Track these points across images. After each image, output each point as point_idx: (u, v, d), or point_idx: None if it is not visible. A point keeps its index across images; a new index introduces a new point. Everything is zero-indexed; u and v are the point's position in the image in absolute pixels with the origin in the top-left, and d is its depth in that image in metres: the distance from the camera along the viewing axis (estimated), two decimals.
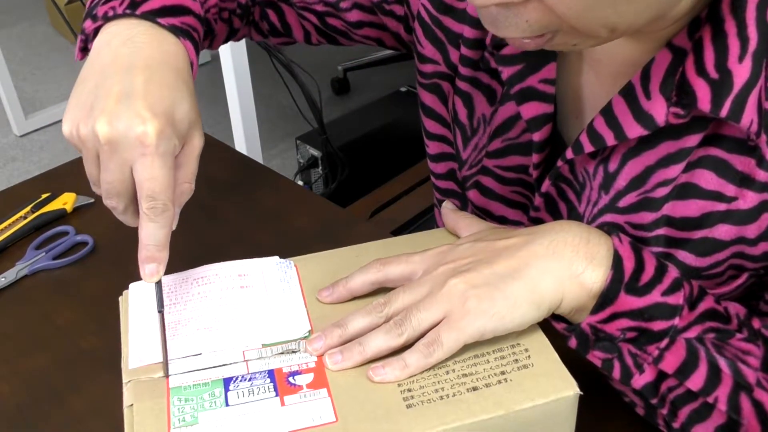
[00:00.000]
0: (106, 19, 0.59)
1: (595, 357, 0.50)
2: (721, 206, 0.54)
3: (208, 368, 0.51)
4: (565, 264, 0.50)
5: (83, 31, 0.61)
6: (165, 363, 0.50)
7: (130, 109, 0.52)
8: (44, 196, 0.82)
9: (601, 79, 0.59)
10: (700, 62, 0.51)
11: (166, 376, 0.50)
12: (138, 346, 0.53)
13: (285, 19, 0.77)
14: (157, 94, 0.54)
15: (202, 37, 0.64)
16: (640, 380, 0.49)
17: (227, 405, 0.49)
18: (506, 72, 0.61)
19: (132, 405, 0.49)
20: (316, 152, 1.93)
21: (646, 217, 0.57)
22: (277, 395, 0.49)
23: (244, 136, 1.92)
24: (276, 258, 0.59)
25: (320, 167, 1.94)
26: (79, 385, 0.62)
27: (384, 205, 1.61)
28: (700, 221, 0.55)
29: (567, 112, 0.62)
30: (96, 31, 0.60)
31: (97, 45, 0.58)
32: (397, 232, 1.38)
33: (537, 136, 0.61)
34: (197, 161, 0.56)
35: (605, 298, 0.49)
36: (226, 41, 0.78)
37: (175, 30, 0.59)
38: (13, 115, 2.51)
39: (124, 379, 0.51)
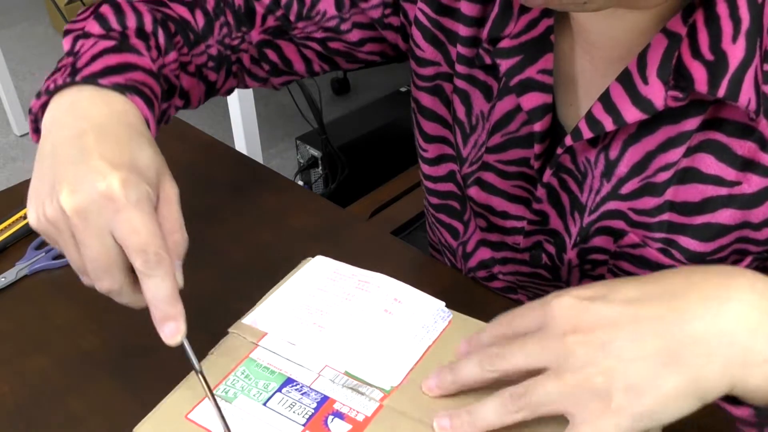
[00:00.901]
0: (50, 93, 0.56)
1: None
2: (723, 191, 0.55)
3: (288, 360, 0.53)
4: (738, 350, 0.41)
5: (31, 111, 0.58)
6: (222, 422, 0.48)
7: (88, 169, 0.49)
8: None
9: (596, 64, 0.59)
10: (695, 45, 0.51)
11: None
12: (267, 309, 0.57)
13: (285, 55, 0.75)
14: (113, 149, 0.50)
15: (159, 93, 0.60)
16: None
17: (264, 404, 0.50)
18: (504, 65, 0.61)
19: (213, 354, 0.53)
20: (316, 152, 1.93)
21: (649, 202, 0.57)
22: (304, 425, 0.48)
23: (244, 136, 1.92)
24: (442, 303, 0.56)
25: (320, 167, 1.94)
26: (79, 385, 0.62)
27: (384, 205, 1.61)
28: (701, 206, 0.56)
29: (565, 101, 0.62)
30: (43, 107, 0.57)
31: (45, 123, 0.55)
32: (397, 232, 1.38)
33: (538, 127, 0.61)
34: (179, 209, 0.52)
35: None
36: (208, 97, 0.74)
37: (119, 88, 0.55)
38: (13, 115, 2.52)
39: (230, 329, 0.55)
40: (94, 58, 0.57)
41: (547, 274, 0.69)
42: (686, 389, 0.40)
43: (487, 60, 0.63)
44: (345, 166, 1.91)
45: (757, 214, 0.54)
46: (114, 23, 0.62)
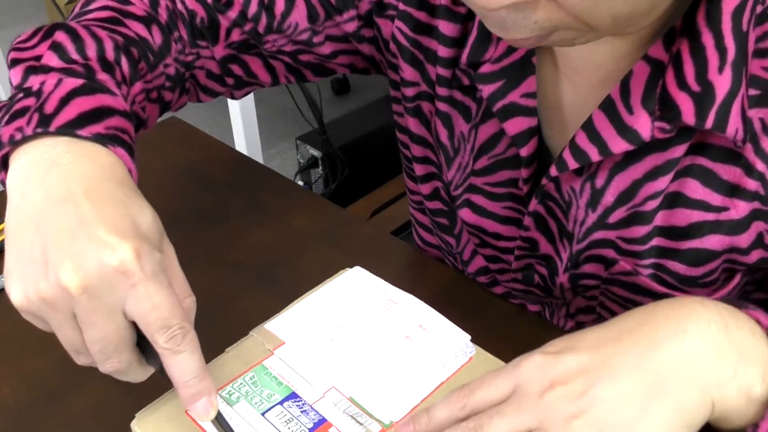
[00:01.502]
0: (14, 143, 0.49)
1: None
2: (710, 216, 0.54)
3: (297, 373, 0.52)
4: (710, 368, 0.41)
5: None
6: None
7: (91, 241, 0.43)
8: None
9: (579, 89, 0.58)
10: (680, 76, 0.50)
11: None
12: (291, 317, 0.57)
13: (250, 70, 0.72)
14: (114, 214, 0.45)
15: (134, 132, 0.54)
16: None
17: (263, 414, 0.50)
18: (486, 90, 0.60)
19: (228, 352, 0.54)
20: (316, 152, 1.93)
21: (639, 231, 0.57)
22: None
23: (244, 137, 1.92)
24: (467, 337, 0.55)
25: (320, 167, 1.95)
26: (79, 386, 0.62)
27: (384, 205, 1.61)
28: (689, 231, 0.55)
29: (550, 124, 0.61)
30: (4, 160, 0.50)
31: (13, 183, 0.47)
32: (397, 232, 1.38)
33: (524, 151, 0.60)
34: (181, 270, 0.49)
35: None
36: (161, 115, 0.69)
37: (101, 139, 0.49)
38: None
39: (252, 331, 0.56)
40: (64, 102, 0.50)
41: (540, 293, 0.69)
42: (672, 420, 0.40)
43: (465, 81, 0.62)
44: (345, 166, 1.91)
45: (744, 239, 0.54)
46: (73, 53, 0.54)
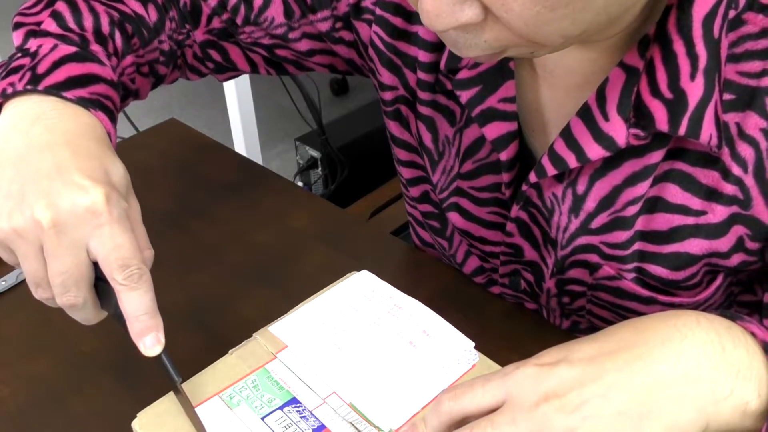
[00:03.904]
0: (5, 96, 0.54)
1: None
2: (690, 220, 0.54)
3: (299, 378, 0.52)
4: (706, 388, 0.40)
5: None
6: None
7: (66, 184, 0.48)
8: None
9: (556, 92, 0.58)
10: (653, 83, 0.50)
11: None
12: (295, 321, 0.57)
13: (229, 57, 0.74)
14: (89, 164, 0.50)
15: (119, 102, 0.60)
16: None
17: (263, 419, 0.50)
18: (464, 96, 0.60)
19: (232, 354, 0.54)
20: (315, 153, 1.93)
21: (620, 236, 0.57)
22: None
23: (243, 138, 1.92)
24: (471, 344, 0.55)
25: (320, 168, 1.94)
26: (80, 388, 0.62)
27: (384, 205, 1.61)
28: (670, 235, 0.55)
29: (531, 127, 0.61)
30: None
31: (1, 128, 0.53)
32: (396, 232, 1.38)
33: (504, 155, 0.60)
34: (143, 225, 0.52)
35: None
36: (153, 88, 0.73)
37: (84, 102, 0.54)
38: None
39: (255, 333, 0.56)
40: (56, 65, 0.55)
41: (527, 299, 0.69)
42: None
43: (449, 85, 0.62)
44: (344, 167, 1.91)
45: (724, 243, 0.54)
46: (71, 22, 0.60)
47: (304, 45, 0.71)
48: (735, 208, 0.53)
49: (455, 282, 0.72)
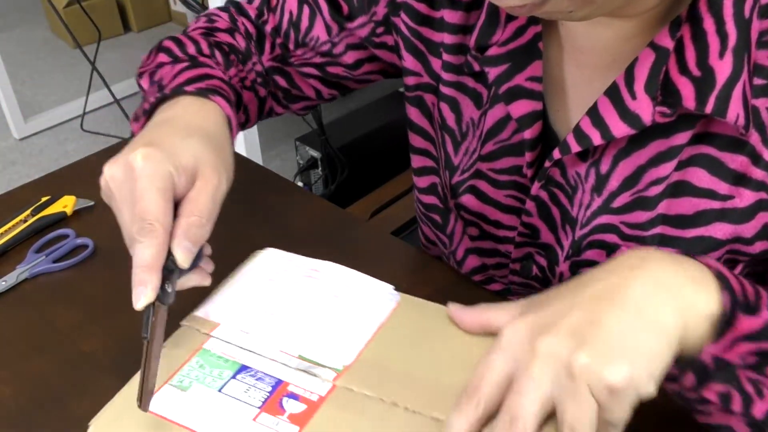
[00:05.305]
0: (146, 113, 0.64)
1: (712, 391, 0.45)
2: (716, 204, 0.55)
3: (242, 348, 0.53)
4: (677, 293, 0.44)
5: (132, 135, 0.64)
6: (141, 394, 0.49)
7: (130, 146, 0.55)
8: (44, 199, 0.82)
9: (584, 71, 0.59)
10: (682, 61, 0.51)
11: (143, 408, 0.49)
12: (219, 301, 0.58)
13: (293, 81, 0.77)
14: (161, 133, 0.57)
15: (233, 97, 0.67)
16: (761, 407, 0.46)
17: (219, 390, 0.51)
18: (493, 72, 0.61)
19: (165, 346, 0.53)
20: (315, 153, 1.93)
21: (642, 216, 0.57)
22: (259, 408, 0.49)
23: (243, 138, 1.92)
24: (390, 287, 0.58)
25: (320, 168, 1.95)
26: (80, 388, 0.62)
27: (384, 205, 1.61)
28: (694, 219, 0.56)
29: (556, 107, 0.62)
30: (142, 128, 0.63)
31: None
32: (397, 232, 1.38)
33: (528, 134, 0.61)
34: (213, 200, 0.55)
35: (726, 323, 0.44)
36: (260, 116, 0.79)
37: (203, 92, 0.63)
38: (12, 118, 2.51)
39: (182, 321, 0.56)
40: (175, 76, 0.66)
41: (538, 285, 0.69)
42: (663, 344, 0.42)
43: (476, 67, 0.63)
44: (345, 167, 1.91)
45: (749, 229, 0.54)
46: (178, 52, 0.71)
47: (350, 57, 0.73)
48: (763, 194, 0.53)
49: (456, 282, 0.72)
